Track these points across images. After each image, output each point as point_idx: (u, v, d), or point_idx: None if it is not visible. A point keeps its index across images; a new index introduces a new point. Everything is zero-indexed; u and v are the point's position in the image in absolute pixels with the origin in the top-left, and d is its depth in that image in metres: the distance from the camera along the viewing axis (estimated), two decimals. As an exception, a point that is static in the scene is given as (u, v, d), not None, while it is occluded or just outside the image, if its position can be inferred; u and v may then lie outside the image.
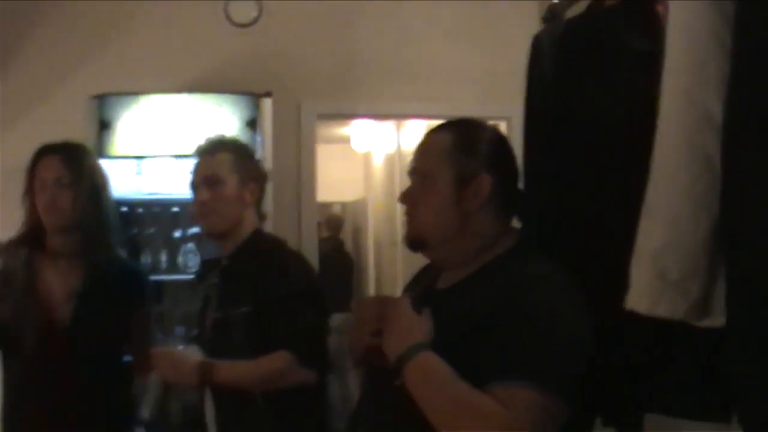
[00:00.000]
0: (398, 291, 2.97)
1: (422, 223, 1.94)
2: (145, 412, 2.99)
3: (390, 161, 7.76)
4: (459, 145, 1.92)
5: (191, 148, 4.13)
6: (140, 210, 4.34)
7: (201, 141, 2.89)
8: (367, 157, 8.67)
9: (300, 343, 2.52)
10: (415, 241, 1.96)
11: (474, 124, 2.02)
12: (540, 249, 1.89)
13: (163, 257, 4.38)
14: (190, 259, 4.32)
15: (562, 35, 2.05)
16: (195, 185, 2.81)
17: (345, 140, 7.95)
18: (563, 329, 1.70)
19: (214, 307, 2.75)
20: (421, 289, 2.01)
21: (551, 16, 2.25)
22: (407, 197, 1.98)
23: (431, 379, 1.71)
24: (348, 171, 8.36)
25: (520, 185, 2.01)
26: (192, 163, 2.88)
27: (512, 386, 1.63)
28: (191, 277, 4.27)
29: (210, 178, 2.76)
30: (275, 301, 2.62)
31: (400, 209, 7.09)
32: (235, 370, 2.59)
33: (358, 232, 8.30)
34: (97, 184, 2.95)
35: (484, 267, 1.87)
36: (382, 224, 7.99)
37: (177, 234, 4.39)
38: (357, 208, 8.51)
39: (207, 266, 2.98)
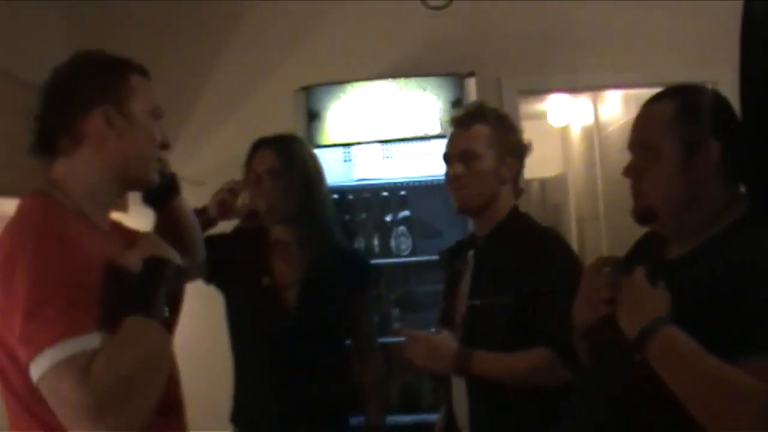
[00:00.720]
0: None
1: (651, 195, 1.88)
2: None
3: (588, 134, 7.63)
4: (682, 113, 1.86)
5: (400, 133, 4.23)
6: (351, 197, 4.44)
7: (458, 111, 2.77)
8: (564, 132, 8.54)
9: (563, 342, 2.23)
10: (645, 214, 1.90)
11: (695, 89, 1.94)
12: None
13: (376, 242, 4.47)
14: (403, 243, 4.38)
15: None
16: (449, 158, 2.68)
17: (541, 116, 7.87)
18: None
19: (466, 292, 2.63)
20: (650, 260, 1.96)
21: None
22: (632, 170, 1.92)
23: (680, 353, 1.65)
24: (545, 147, 8.23)
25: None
26: (446, 135, 2.74)
27: (761, 361, 1.56)
28: (403, 260, 4.38)
29: (465, 152, 2.61)
30: (542, 294, 2.44)
31: (600, 182, 7.04)
32: (495, 363, 2.47)
33: (558, 208, 8.18)
34: (310, 174, 2.99)
35: (717, 236, 1.81)
36: (583, 199, 7.87)
37: (388, 218, 4.46)
38: (556, 184, 8.39)
39: (460, 245, 2.83)
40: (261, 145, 3.03)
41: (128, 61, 1.94)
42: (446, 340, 2.51)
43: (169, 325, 1.72)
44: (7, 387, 1.71)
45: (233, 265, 2.95)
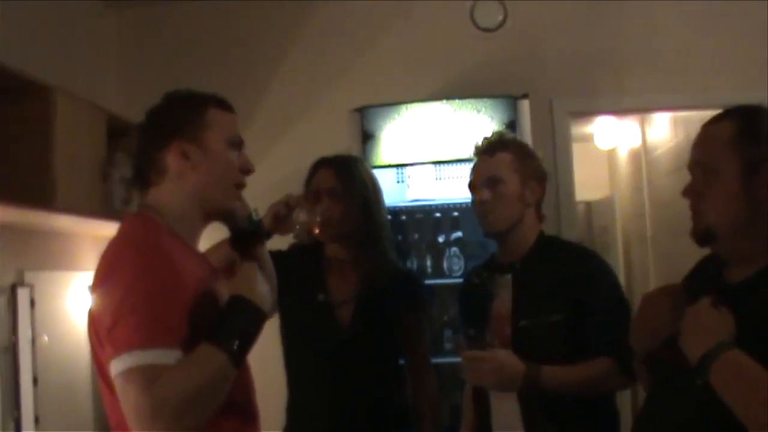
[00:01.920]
0: (650, 288, 2.89)
1: (710, 215, 1.89)
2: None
3: (635, 157, 7.58)
4: (743, 133, 1.87)
5: (453, 154, 4.25)
6: (403, 217, 4.45)
7: (480, 141, 2.88)
8: (611, 155, 8.50)
9: (621, 349, 2.35)
10: (704, 235, 1.91)
11: (756, 110, 1.95)
12: None
13: (428, 262, 4.47)
14: (455, 264, 4.38)
15: None
16: (475, 185, 2.81)
17: (588, 138, 7.83)
18: None
19: (505, 314, 2.71)
20: (710, 283, 1.95)
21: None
22: (691, 191, 1.94)
23: (743, 377, 1.65)
24: (592, 169, 8.21)
25: None
26: (471, 163, 2.90)
27: None
28: (457, 280, 4.37)
29: (490, 178, 2.76)
30: (593, 307, 2.58)
31: (648, 205, 7.00)
32: (562, 376, 2.55)
33: (605, 231, 8.13)
34: (369, 194, 3.06)
35: None
36: (631, 221, 7.82)
37: (440, 239, 4.46)
38: (603, 206, 8.35)
39: (489, 269, 2.93)
40: (322, 164, 3.11)
41: (208, 96, 2.09)
42: (511, 357, 2.55)
43: (237, 359, 1.80)
44: (108, 388, 1.83)
45: (289, 280, 2.99)
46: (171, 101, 2.07)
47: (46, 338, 3.64)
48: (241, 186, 2.12)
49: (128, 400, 1.69)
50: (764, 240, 1.84)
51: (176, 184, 2.00)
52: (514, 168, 2.77)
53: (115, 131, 4.07)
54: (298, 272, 3.02)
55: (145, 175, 2.03)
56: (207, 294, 1.91)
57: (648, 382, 2.13)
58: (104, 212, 3.88)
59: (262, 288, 1.92)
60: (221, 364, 1.75)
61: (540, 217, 2.86)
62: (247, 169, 2.12)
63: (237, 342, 1.79)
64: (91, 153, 3.91)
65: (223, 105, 2.10)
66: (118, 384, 1.72)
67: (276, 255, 2.98)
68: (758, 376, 1.62)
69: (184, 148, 1.99)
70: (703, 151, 1.94)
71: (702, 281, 2.01)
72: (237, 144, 2.09)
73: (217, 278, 2.04)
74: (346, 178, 3.05)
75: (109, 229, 3.65)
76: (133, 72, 5.16)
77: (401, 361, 3.15)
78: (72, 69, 4.45)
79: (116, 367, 1.71)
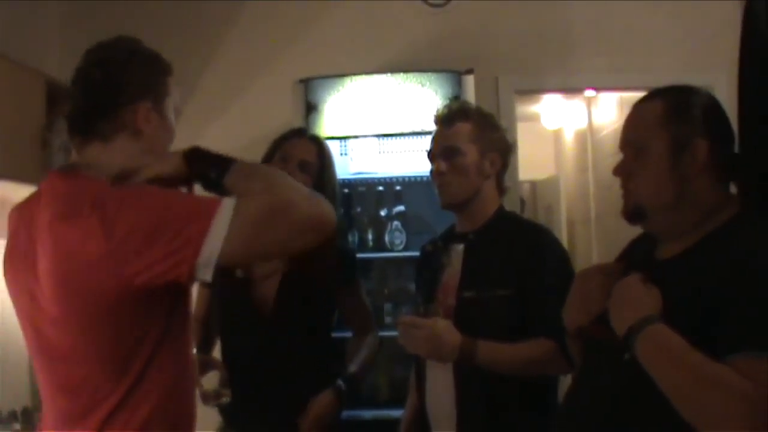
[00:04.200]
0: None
1: (640, 194, 1.90)
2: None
3: (581, 138, 7.65)
4: (671, 112, 1.88)
5: (397, 128, 4.24)
6: (346, 190, 4.42)
7: (440, 109, 2.81)
8: (557, 135, 8.57)
9: (564, 332, 2.19)
10: (634, 213, 1.93)
11: (684, 89, 1.97)
12: (763, 215, 1.82)
13: (370, 236, 4.48)
14: (397, 237, 4.39)
15: None
16: (433, 155, 2.74)
17: (534, 118, 7.88)
18: None
19: (453, 285, 2.64)
20: (641, 260, 1.97)
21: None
22: (622, 170, 1.95)
23: (666, 351, 1.67)
24: (538, 149, 8.27)
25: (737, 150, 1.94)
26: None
27: (755, 357, 1.58)
28: (398, 254, 4.39)
29: (448, 148, 2.68)
30: (541, 286, 2.51)
31: (592, 186, 7.07)
32: (499, 352, 2.49)
33: (550, 211, 8.20)
34: (335, 179, 3.07)
35: (708, 236, 1.82)
36: (575, 202, 7.89)
37: (383, 213, 4.47)
38: (548, 186, 8.41)
39: (445, 239, 2.86)
40: (301, 134, 3.12)
41: (167, 62, 2.04)
42: (449, 327, 2.49)
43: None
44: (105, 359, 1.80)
45: None
46: (139, 56, 1.98)
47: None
48: None
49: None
50: (693, 217, 1.86)
51: (128, 143, 1.90)
52: (472, 138, 2.68)
53: (56, 97, 3.98)
54: None
55: (93, 126, 1.90)
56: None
57: (578, 360, 2.15)
58: (43, 179, 3.81)
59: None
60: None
61: (501, 190, 2.78)
62: None
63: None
64: (29, 118, 3.84)
65: (172, 72, 2.05)
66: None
67: None
68: (682, 349, 1.64)
69: (148, 110, 1.92)
70: (633, 131, 1.95)
71: (634, 259, 2.03)
72: (179, 114, 2.07)
73: None
74: (326, 159, 3.02)
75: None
76: (74, 34, 5.04)
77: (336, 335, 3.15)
78: (10, 32, 4.35)
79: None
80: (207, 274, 1.71)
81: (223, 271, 2.83)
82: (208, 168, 1.86)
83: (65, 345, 1.82)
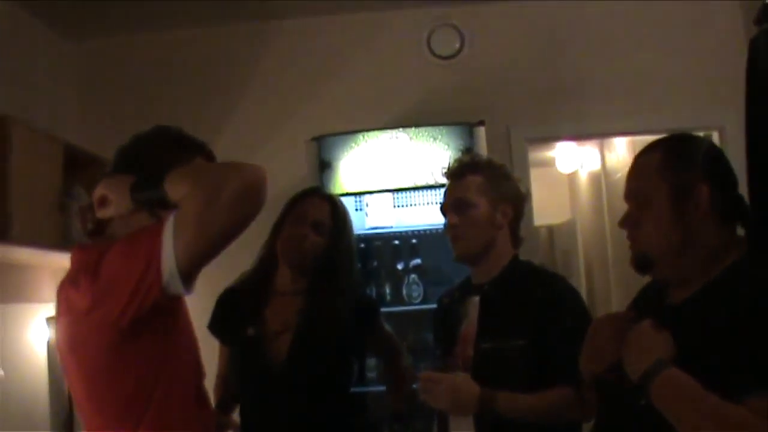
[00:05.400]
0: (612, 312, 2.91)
1: (646, 243, 1.93)
2: None
3: (595, 181, 7.65)
4: (670, 161, 1.91)
5: (410, 182, 4.27)
6: (362, 245, 4.44)
7: (450, 164, 2.82)
8: (572, 179, 8.57)
9: (582, 381, 2.20)
10: (642, 263, 1.95)
11: (682, 137, 2.01)
12: None
13: (387, 289, 4.50)
14: (414, 290, 4.41)
15: None
16: (445, 209, 2.76)
17: (549, 163, 7.91)
18: None
19: (472, 336, 2.65)
20: (653, 306, 1.99)
21: (765, 18, 2.18)
22: (627, 221, 1.98)
23: (681, 394, 1.69)
24: (554, 193, 8.30)
25: (742, 192, 1.97)
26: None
27: (766, 397, 1.59)
28: (416, 307, 4.39)
29: (459, 201, 2.69)
30: (558, 335, 2.51)
31: (609, 229, 7.06)
32: (518, 403, 2.48)
33: (567, 255, 8.18)
34: (352, 238, 3.07)
35: (717, 278, 1.85)
36: (592, 245, 7.87)
37: (399, 266, 4.50)
38: (564, 230, 8.41)
39: (461, 291, 2.86)
40: (315, 194, 3.11)
41: (198, 144, 2.11)
42: (467, 380, 2.49)
43: None
44: (96, 406, 1.91)
45: (231, 317, 3.00)
46: (163, 138, 2.08)
47: (2, 372, 3.59)
48: None
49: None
50: (700, 261, 1.88)
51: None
52: (483, 191, 2.68)
53: (74, 162, 4.06)
54: (239, 307, 3.01)
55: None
56: None
57: (595, 407, 2.16)
58: (62, 244, 3.86)
59: None
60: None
61: (516, 240, 2.77)
62: None
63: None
64: (48, 184, 3.89)
65: (209, 154, 2.11)
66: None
67: (228, 292, 3.00)
68: (697, 392, 1.66)
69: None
70: (635, 182, 1.98)
71: (647, 305, 2.05)
72: None
73: None
74: (340, 217, 3.02)
75: (66, 261, 3.65)
76: (92, 103, 5.17)
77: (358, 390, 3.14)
78: (30, 100, 4.45)
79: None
80: (178, 288, 1.79)
81: (234, 330, 2.89)
82: (148, 195, 1.91)
83: (80, 395, 1.95)
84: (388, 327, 3.25)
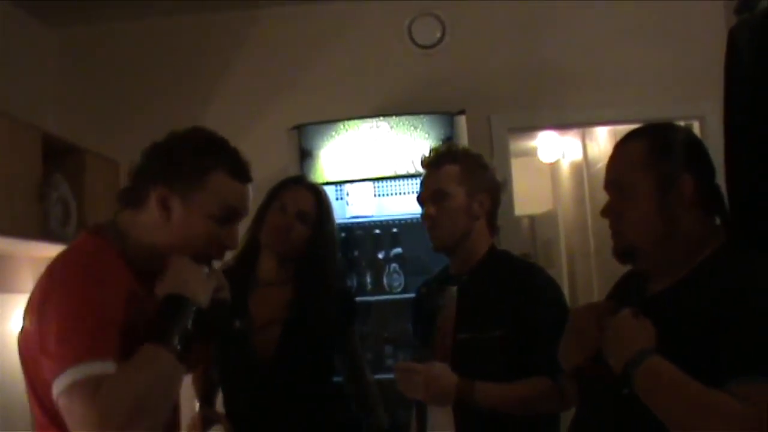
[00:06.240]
0: (595, 301, 2.92)
1: (630, 233, 1.91)
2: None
3: (577, 170, 7.66)
4: (655, 150, 1.90)
5: (391, 171, 4.26)
6: (343, 234, 4.39)
7: (427, 154, 2.80)
8: (554, 168, 8.58)
9: (559, 370, 2.20)
10: (624, 253, 1.94)
11: (664, 127, 2.00)
12: (750, 245, 1.84)
13: (368, 279, 4.50)
14: (395, 280, 4.41)
15: (760, 26, 1.99)
16: (422, 200, 2.74)
17: (531, 152, 7.91)
18: None
19: (449, 327, 2.64)
20: (633, 296, 1.99)
21: (744, 7, 2.17)
22: (609, 211, 1.96)
23: (664, 382, 1.69)
24: (536, 183, 8.30)
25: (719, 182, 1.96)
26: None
27: (749, 382, 1.60)
28: (397, 296, 4.38)
29: (436, 192, 2.67)
30: (535, 325, 2.50)
31: (591, 219, 7.07)
32: (496, 393, 2.48)
33: (549, 245, 8.20)
34: (334, 227, 3.04)
35: (698, 267, 1.84)
36: (574, 235, 7.88)
37: (380, 255, 4.49)
38: (546, 220, 8.42)
39: (439, 281, 2.86)
40: (299, 183, 3.08)
41: (225, 157, 1.96)
42: (445, 370, 2.49)
43: (182, 355, 1.76)
44: (38, 404, 1.83)
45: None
46: (186, 142, 1.95)
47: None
48: (211, 258, 1.98)
49: (74, 416, 1.65)
50: (682, 251, 1.87)
51: (149, 222, 1.90)
52: (460, 180, 2.67)
53: (53, 151, 4.03)
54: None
55: (130, 194, 1.93)
56: (141, 311, 1.84)
57: (576, 398, 2.15)
58: (41, 233, 3.84)
59: (193, 279, 1.85)
60: (166, 362, 1.72)
61: (493, 229, 2.76)
62: (226, 246, 1.98)
63: (178, 338, 1.74)
64: (27, 173, 3.87)
65: (235, 172, 1.95)
66: (62, 404, 1.66)
67: None
68: (679, 380, 1.66)
69: (166, 196, 1.88)
70: (618, 171, 1.96)
71: (626, 294, 2.05)
72: (229, 217, 1.95)
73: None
74: (324, 207, 3.00)
75: (46, 251, 3.64)
76: (71, 92, 5.14)
77: (336, 379, 3.11)
78: (8, 88, 4.42)
79: (59, 385, 1.66)
80: None
81: (221, 322, 2.86)
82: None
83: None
84: (358, 343, 3.22)
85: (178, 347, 1.75)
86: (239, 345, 2.89)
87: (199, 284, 1.87)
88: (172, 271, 1.86)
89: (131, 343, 1.75)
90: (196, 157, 1.91)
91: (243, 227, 2.92)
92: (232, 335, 2.87)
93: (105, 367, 1.67)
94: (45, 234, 3.86)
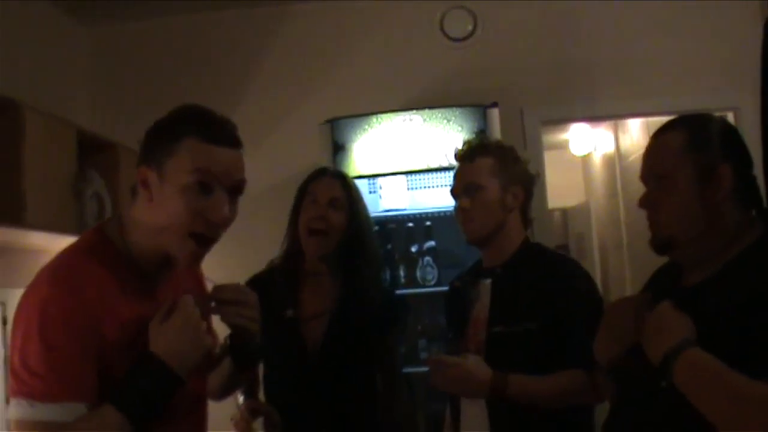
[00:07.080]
0: (627, 294, 2.90)
1: (668, 224, 1.89)
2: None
3: (609, 163, 7.62)
4: (693, 141, 1.88)
5: (424, 164, 4.26)
6: (376, 227, 4.39)
7: (460, 146, 2.80)
8: (586, 161, 8.54)
9: (593, 363, 2.14)
10: (662, 244, 1.92)
11: (703, 117, 1.98)
12: None
13: (402, 272, 4.50)
14: (428, 273, 4.41)
15: None
16: (455, 193, 2.75)
17: (563, 145, 7.88)
18: None
19: (483, 320, 2.64)
20: (668, 288, 1.97)
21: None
22: (647, 201, 1.94)
23: (705, 374, 1.67)
24: (568, 176, 8.25)
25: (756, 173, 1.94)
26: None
27: None
28: (430, 290, 4.38)
29: (469, 185, 2.68)
30: (568, 318, 2.50)
31: (623, 211, 7.04)
32: (530, 386, 2.48)
33: (581, 238, 8.16)
34: (365, 208, 3.03)
35: (735, 259, 1.83)
36: (606, 228, 7.85)
37: (413, 249, 4.49)
38: (578, 213, 8.38)
39: (473, 274, 2.85)
40: (323, 173, 3.07)
41: (194, 121, 1.79)
42: (479, 363, 2.50)
43: (137, 420, 1.66)
44: None
45: (264, 302, 2.97)
46: (164, 118, 1.82)
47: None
48: (200, 236, 1.79)
49: None
50: (720, 243, 1.85)
51: (141, 203, 1.80)
52: (493, 173, 2.67)
53: (87, 147, 4.07)
54: (273, 291, 2.97)
55: (133, 186, 1.83)
56: (130, 340, 1.74)
57: (613, 393, 2.14)
58: (76, 228, 3.87)
59: (184, 345, 1.73)
60: (117, 427, 1.63)
61: (526, 222, 2.77)
62: (211, 219, 1.77)
63: (139, 402, 1.65)
64: (61, 169, 3.90)
65: (207, 135, 1.76)
66: (11, 428, 1.61)
67: (255, 280, 2.97)
68: (720, 371, 1.63)
69: (145, 174, 1.77)
70: (656, 161, 1.95)
71: (662, 287, 2.03)
72: (206, 183, 1.76)
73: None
74: (352, 192, 2.99)
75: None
76: (105, 88, 5.19)
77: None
78: (44, 85, 4.46)
79: (11, 410, 1.60)
80: None
81: (272, 311, 2.87)
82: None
83: None
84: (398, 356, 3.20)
85: (138, 411, 1.65)
86: (289, 335, 2.90)
87: (191, 351, 1.75)
88: (173, 329, 1.74)
89: (131, 344, 1.71)
90: (167, 128, 1.79)
91: (258, 212, 2.92)
92: (282, 324, 2.89)
93: (65, 412, 1.60)
94: (80, 229, 3.88)
